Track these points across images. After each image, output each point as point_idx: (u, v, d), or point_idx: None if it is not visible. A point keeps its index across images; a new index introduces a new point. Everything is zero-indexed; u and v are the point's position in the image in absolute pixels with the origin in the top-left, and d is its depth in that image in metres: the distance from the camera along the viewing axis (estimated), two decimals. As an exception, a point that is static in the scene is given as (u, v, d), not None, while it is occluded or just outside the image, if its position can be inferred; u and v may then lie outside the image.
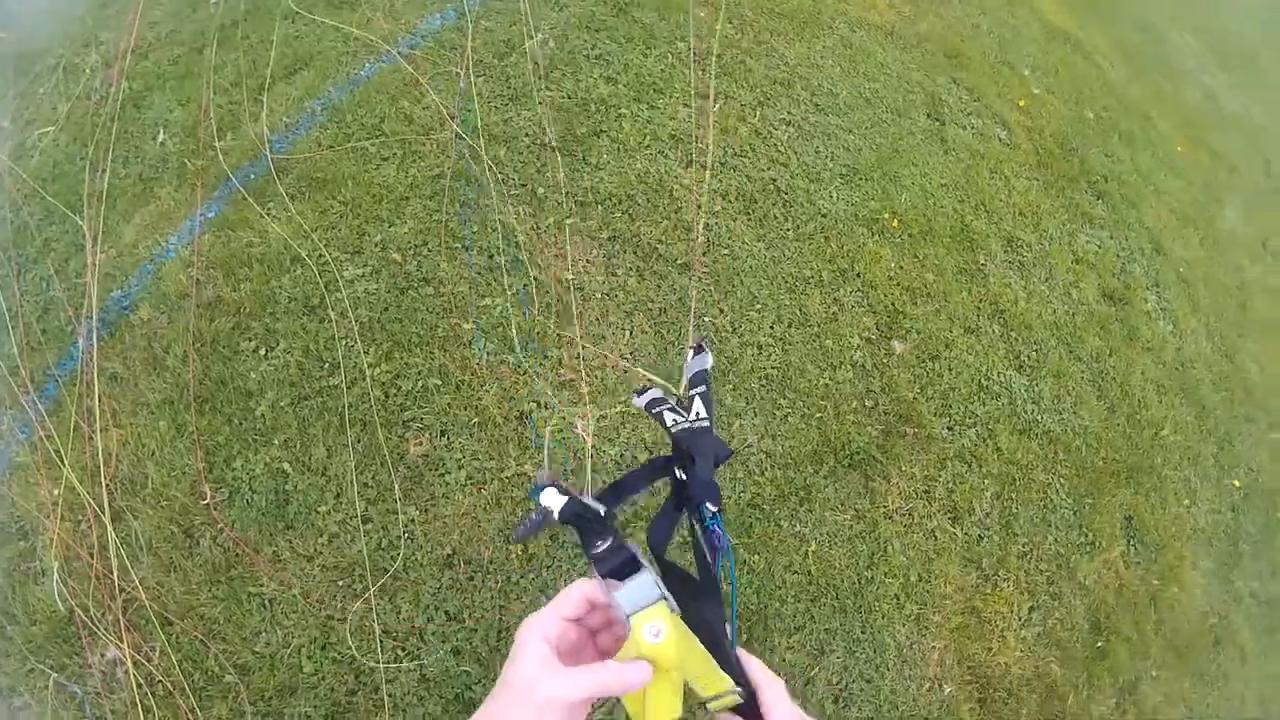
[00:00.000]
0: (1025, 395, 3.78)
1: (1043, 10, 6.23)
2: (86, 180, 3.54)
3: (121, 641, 2.58)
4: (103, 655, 2.61)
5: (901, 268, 3.88)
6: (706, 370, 1.17)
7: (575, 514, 1.00)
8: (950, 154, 4.53)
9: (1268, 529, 4.50)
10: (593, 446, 3.15)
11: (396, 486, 2.86)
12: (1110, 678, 3.55)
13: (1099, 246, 4.58)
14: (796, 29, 4.71)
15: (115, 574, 2.67)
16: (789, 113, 4.34)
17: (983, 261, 4.09)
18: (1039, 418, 3.76)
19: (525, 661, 0.77)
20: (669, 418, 1.10)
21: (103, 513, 2.75)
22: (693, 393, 1.11)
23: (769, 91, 4.34)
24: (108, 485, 2.82)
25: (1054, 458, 3.72)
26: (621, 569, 0.89)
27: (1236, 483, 4.47)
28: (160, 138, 3.72)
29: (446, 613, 2.74)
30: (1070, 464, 3.74)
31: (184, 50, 4.10)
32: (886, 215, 4.03)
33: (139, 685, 2.53)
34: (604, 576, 0.89)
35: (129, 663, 2.55)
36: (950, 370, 3.68)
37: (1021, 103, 5.06)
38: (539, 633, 0.80)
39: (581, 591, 0.87)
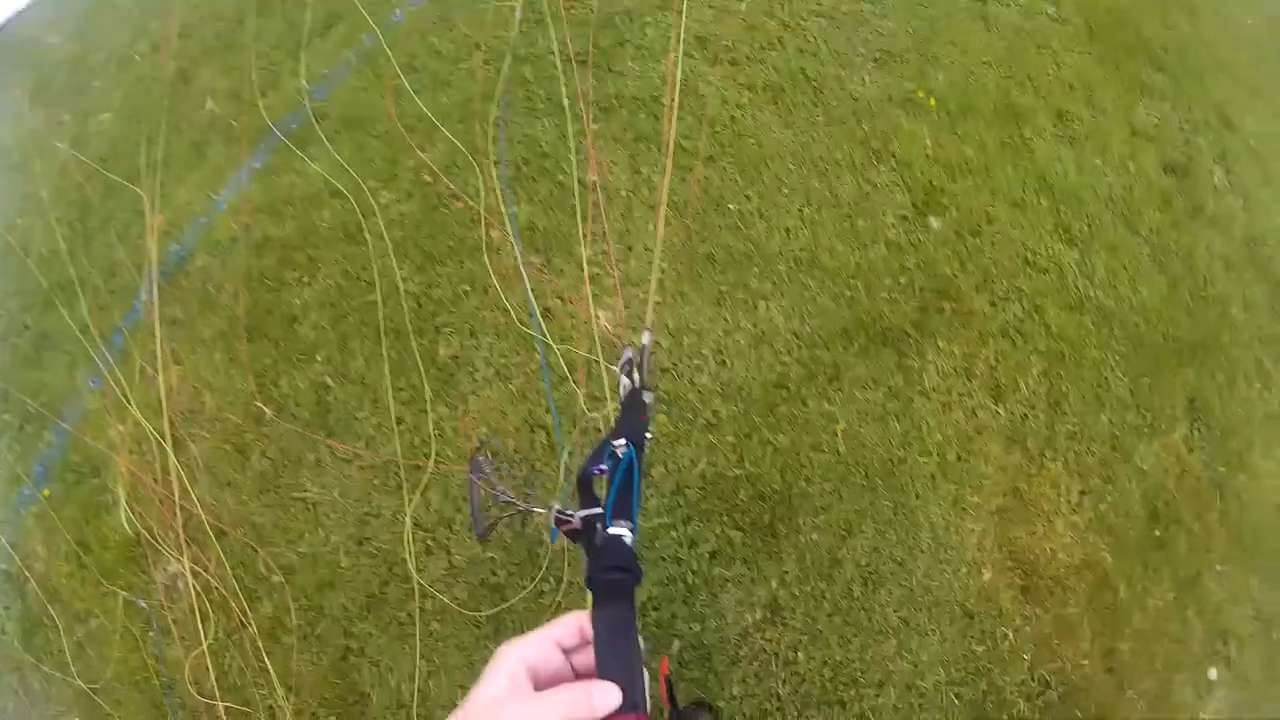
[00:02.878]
0: (1076, 269, 3.27)
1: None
2: (143, 153, 3.60)
3: (182, 556, 2.67)
4: (165, 570, 2.71)
5: (940, 144, 3.39)
6: (646, 346, 1.32)
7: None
8: (993, 31, 3.96)
9: (1349, 417, 3.91)
10: (619, 339, 2.92)
11: (427, 387, 2.80)
12: (1169, 570, 3.08)
13: (1159, 118, 3.96)
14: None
15: (176, 495, 2.74)
16: (818, 4, 3.90)
17: (1029, 135, 3.55)
18: (1092, 293, 3.25)
19: (491, 683, 0.69)
20: (623, 384, 1.25)
21: (165, 441, 2.83)
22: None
23: (800, -17, 3.90)
24: (170, 417, 2.90)
25: (1108, 334, 3.22)
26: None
27: (1315, 366, 3.88)
28: (208, 105, 3.85)
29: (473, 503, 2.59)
30: (1126, 341, 3.25)
31: (225, 24, 4.16)
32: (922, 94, 3.55)
33: (197, 594, 2.61)
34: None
35: (188, 574, 2.64)
36: (993, 245, 3.21)
37: (1072, -24, 4.43)
38: (516, 655, 0.71)
39: (577, 620, 0.78)
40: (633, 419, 1.27)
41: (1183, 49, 4.31)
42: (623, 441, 1.19)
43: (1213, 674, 3.11)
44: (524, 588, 2.57)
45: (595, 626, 0.79)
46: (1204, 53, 4.41)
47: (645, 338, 1.39)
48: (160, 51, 4.23)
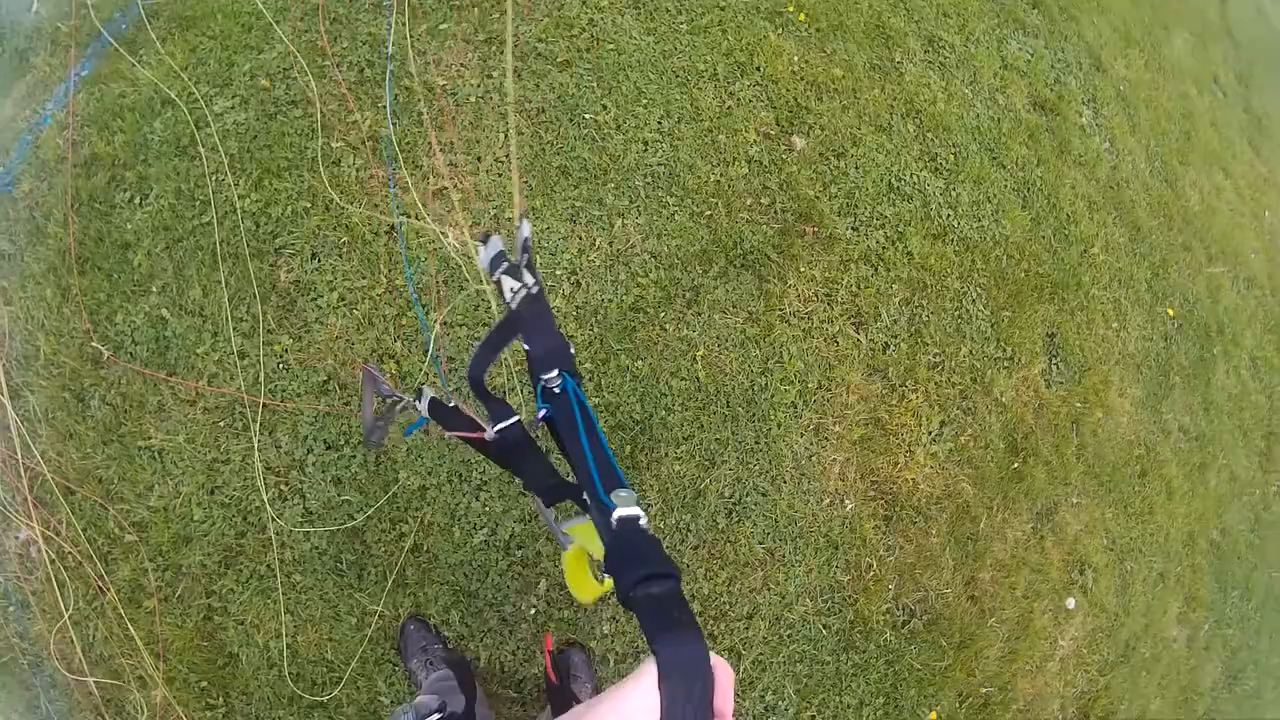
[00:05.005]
0: (940, 199, 3.67)
1: None
2: (-41, 67, 3.47)
3: (31, 520, 2.70)
4: (16, 538, 2.74)
5: (807, 62, 3.70)
6: (528, 238, 1.21)
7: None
8: (867, -49, 4.30)
9: (1201, 363, 4.50)
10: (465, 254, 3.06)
11: (269, 316, 2.88)
12: (1027, 501, 3.56)
13: (1031, 54, 4.44)
14: None
15: (19, 453, 2.75)
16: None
17: (898, 59, 3.92)
18: (955, 223, 3.65)
19: None
20: (508, 287, 1.15)
21: (2, 393, 2.83)
22: (523, 261, 1.17)
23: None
24: (5, 365, 2.89)
25: (970, 265, 3.62)
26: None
27: (1170, 311, 4.44)
28: (34, 7, 3.63)
29: (325, 442, 2.78)
30: (988, 273, 3.66)
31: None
32: (791, 8, 3.81)
33: (51, 561, 2.66)
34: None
35: (40, 540, 2.67)
36: (857, 168, 3.54)
37: (949, -98, 4.81)
38: None
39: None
40: (542, 331, 1.13)
41: (1059, -13, 4.77)
42: (555, 373, 1.10)
43: (1070, 602, 3.57)
44: (382, 530, 2.75)
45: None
46: (1080, -6, 4.89)
47: (525, 228, 1.22)
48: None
